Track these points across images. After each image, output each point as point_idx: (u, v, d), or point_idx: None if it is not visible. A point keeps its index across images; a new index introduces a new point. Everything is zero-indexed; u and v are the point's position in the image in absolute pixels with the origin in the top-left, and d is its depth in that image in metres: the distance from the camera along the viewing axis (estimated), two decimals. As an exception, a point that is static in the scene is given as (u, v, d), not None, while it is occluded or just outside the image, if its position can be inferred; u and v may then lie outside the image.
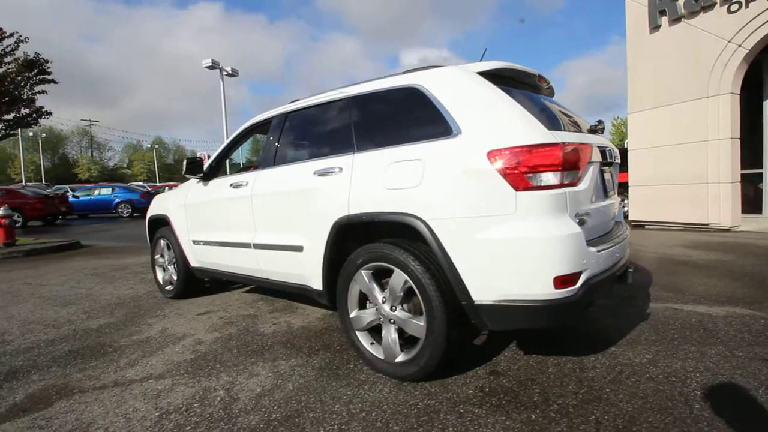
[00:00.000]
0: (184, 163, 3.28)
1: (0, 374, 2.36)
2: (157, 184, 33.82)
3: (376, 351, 2.16)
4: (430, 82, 2.06)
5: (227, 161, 3.63)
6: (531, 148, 1.68)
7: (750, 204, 7.36)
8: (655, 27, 7.28)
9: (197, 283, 3.92)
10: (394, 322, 2.07)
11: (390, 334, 2.08)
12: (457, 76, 2.03)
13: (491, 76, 2.03)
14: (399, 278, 1.99)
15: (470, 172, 1.79)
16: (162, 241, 3.92)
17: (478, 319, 1.82)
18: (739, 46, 6.20)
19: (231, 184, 3.02)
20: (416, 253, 1.93)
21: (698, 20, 6.61)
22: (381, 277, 2.15)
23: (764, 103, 7.17)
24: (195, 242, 3.44)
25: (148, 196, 16.21)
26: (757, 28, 5.93)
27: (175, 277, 3.80)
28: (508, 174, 1.69)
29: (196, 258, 3.49)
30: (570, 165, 1.73)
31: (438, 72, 2.12)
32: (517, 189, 1.68)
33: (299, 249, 2.49)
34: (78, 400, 2.02)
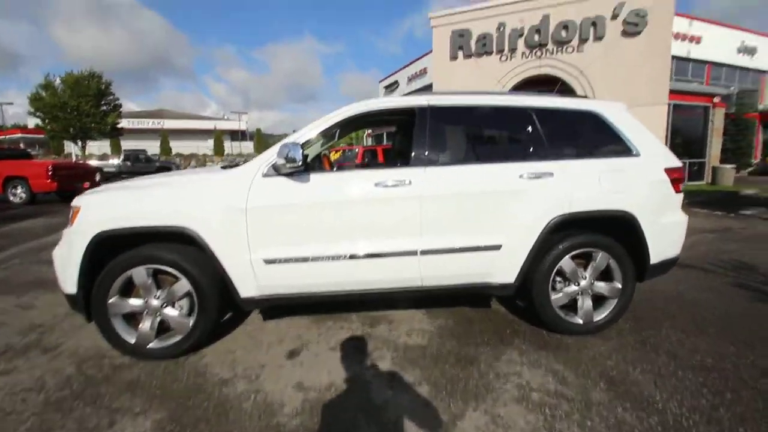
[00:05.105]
0: (287, 148, 2.23)
1: None
2: None
3: (572, 318, 2.70)
4: (607, 111, 2.74)
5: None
6: (680, 168, 2.78)
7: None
8: (454, 57, 9.90)
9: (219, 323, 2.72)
10: (591, 293, 2.70)
11: (587, 303, 2.70)
12: (622, 109, 2.82)
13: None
14: (604, 258, 2.64)
15: (656, 181, 2.67)
16: (142, 271, 2.40)
17: (646, 274, 2.78)
18: (503, 85, 9.61)
19: (376, 183, 2.45)
20: (614, 238, 2.66)
21: (482, 60, 9.63)
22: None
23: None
24: (269, 261, 2.44)
25: None
26: (513, 77, 9.41)
27: (190, 322, 2.46)
28: (673, 183, 2.72)
29: (265, 283, 2.47)
30: None
31: (611, 104, 2.81)
32: (676, 191, 2.75)
33: (496, 248, 2.55)
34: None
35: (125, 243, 2.42)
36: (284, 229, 2.44)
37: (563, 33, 8.78)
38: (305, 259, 2.45)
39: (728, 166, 12.05)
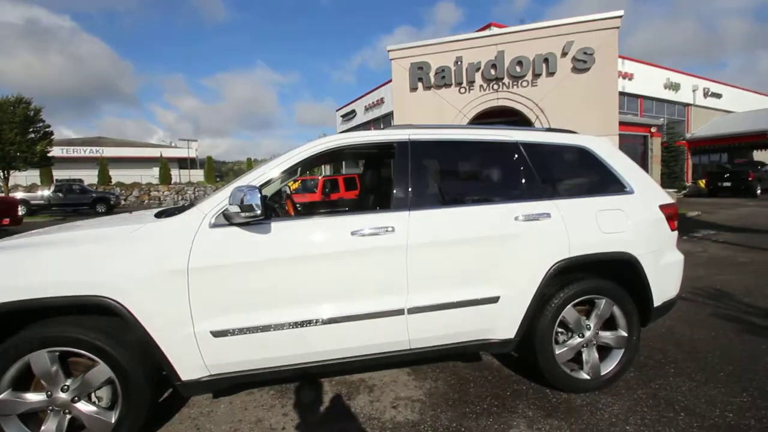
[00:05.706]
0: (241, 193, 1.79)
1: None
2: None
3: (577, 374, 2.39)
4: (596, 146, 2.56)
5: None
6: (674, 204, 2.64)
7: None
8: (413, 88, 9.93)
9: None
10: (596, 344, 2.42)
11: (593, 356, 2.40)
12: (609, 144, 2.66)
13: None
14: (608, 305, 2.38)
15: (653, 219, 2.48)
16: (44, 356, 1.79)
17: (651, 319, 2.55)
18: (465, 115, 9.73)
19: (353, 232, 2.04)
20: (616, 283, 2.41)
21: (442, 92, 9.73)
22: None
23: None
24: (218, 333, 1.92)
25: None
26: (472, 109, 9.57)
27: (112, 417, 1.85)
28: (669, 220, 2.56)
29: (213, 361, 1.93)
30: None
31: (599, 139, 2.64)
32: (672, 229, 2.58)
33: (493, 300, 2.21)
34: None
35: (22, 319, 1.82)
36: (239, 292, 1.95)
37: (517, 68, 9.15)
38: (267, 328, 1.96)
39: (671, 190, 12.94)
